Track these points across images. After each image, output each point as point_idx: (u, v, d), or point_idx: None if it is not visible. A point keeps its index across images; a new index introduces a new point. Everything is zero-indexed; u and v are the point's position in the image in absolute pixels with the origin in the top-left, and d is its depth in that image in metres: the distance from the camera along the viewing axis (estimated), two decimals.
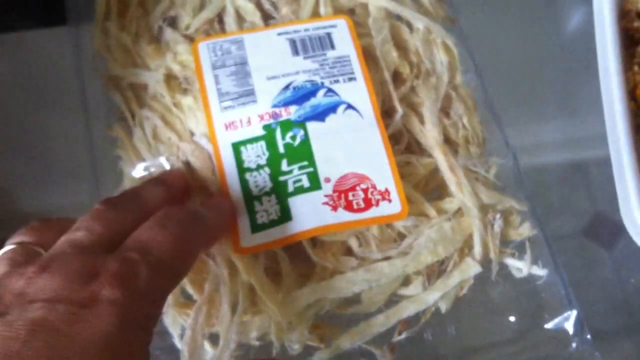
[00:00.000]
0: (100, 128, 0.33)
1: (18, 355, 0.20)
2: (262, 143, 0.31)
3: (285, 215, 0.29)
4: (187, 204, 0.30)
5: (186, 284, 0.29)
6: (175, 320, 0.29)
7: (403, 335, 0.29)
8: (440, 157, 0.32)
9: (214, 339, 0.28)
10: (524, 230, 0.31)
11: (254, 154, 0.30)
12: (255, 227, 0.29)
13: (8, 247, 0.24)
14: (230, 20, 0.34)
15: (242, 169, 0.30)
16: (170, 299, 0.29)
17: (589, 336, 0.29)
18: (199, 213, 0.27)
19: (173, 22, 0.34)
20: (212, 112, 0.31)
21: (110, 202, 0.26)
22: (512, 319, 0.30)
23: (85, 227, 0.24)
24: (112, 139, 0.33)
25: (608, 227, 0.37)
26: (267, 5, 0.35)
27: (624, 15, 0.34)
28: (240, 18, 0.34)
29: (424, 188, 0.32)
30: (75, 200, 0.35)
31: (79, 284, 0.22)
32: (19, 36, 0.39)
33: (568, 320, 0.30)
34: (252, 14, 0.34)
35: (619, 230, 0.36)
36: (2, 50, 0.40)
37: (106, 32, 0.34)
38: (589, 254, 0.37)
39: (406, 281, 0.30)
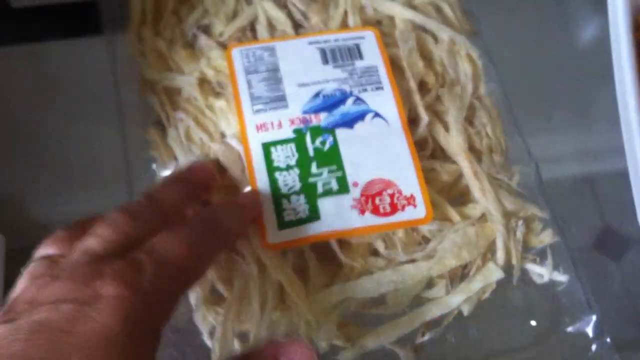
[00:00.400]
0: (135, 132, 0.34)
1: (20, 354, 0.20)
2: (292, 145, 0.32)
3: (313, 215, 0.30)
4: (208, 207, 0.30)
5: (215, 281, 0.30)
6: (205, 318, 0.29)
7: (426, 337, 0.30)
8: (464, 164, 0.33)
9: (242, 336, 0.29)
10: (545, 237, 0.32)
11: (284, 155, 0.31)
12: (282, 224, 0.30)
13: (32, 263, 0.24)
14: (262, 28, 0.35)
15: (271, 168, 0.31)
16: (199, 296, 0.30)
17: (608, 340, 0.30)
18: (218, 218, 0.27)
19: (206, 30, 0.35)
20: (245, 114, 0.32)
21: (126, 209, 0.25)
22: (533, 323, 0.31)
23: (99, 234, 0.24)
24: (146, 144, 0.34)
25: (617, 239, 0.38)
26: (297, 15, 0.36)
27: (637, 27, 0.35)
28: (271, 26, 0.35)
29: (449, 194, 0.33)
30: (110, 206, 0.36)
31: (84, 283, 0.22)
32: (53, 45, 0.41)
33: (588, 325, 0.30)
34: (284, 23, 0.35)
35: (628, 243, 0.37)
36: (37, 59, 0.41)
37: (141, 38, 0.35)
38: (599, 267, 0.37)
39: (430, 284, 0.31)
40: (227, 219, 0.27)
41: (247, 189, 0.31)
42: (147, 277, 0.23)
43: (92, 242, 0.24)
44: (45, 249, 0.25)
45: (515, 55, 0.41)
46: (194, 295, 0.30)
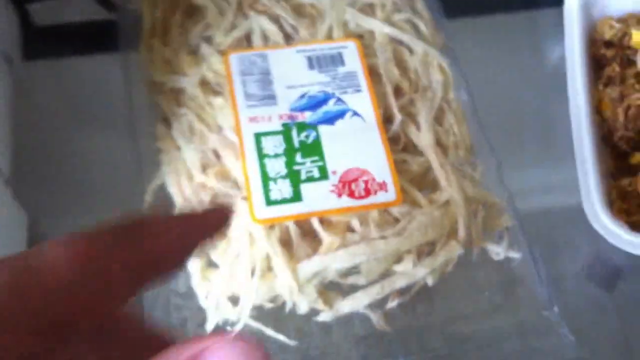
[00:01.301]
0: (144, 128, 0.39)
1: None
2: (280, 137, 0.36)
3: (296, 197, 0.35)
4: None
5: (210, 252, 0.34)
6: (201, 284, 0.34)
7: (395, 303, 0.34)
8: (432, 157, 0.37)
9: (234, 300, 0.33)
10: (503, 221, 0.36)
11: (272, 144, 0.36)
12: (269, 202, 0.34)
13: None
14: (256, 38, 0.40)
15: (261, 155, 0.35)
16: (197, 265, 0.34)
17: (556, 309, 0.34)
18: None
19: (208, 40, 0.40)
20: (239, 109, 0.37)
21: None
22: (487, 294, 0.35)
23: None
24: (156, 154, 0.38)
25: (609, 269, 0.40)
26: (288, 29, 0.41)
27: (592, 43, 0.39)
28: (265, 37, 0.40)
29: (418, 184, 0.37)
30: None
31: None
32: (73, 60, 0.45)
33: (540, 296, 0.34)
34: (276, 34, 0.40)
35: (619, 273, 0.40)
36: (57, 74, 0.46)
37: (151, 47, 0.40)
38: (591, 297, 0.39)
39: (399, 258, 0.35)
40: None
41: (239, 172, 0.35)
42: None
43: None
44: None
45: (485, 69, 0.46)
46: (191, 264, 0.34)
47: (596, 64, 0.40)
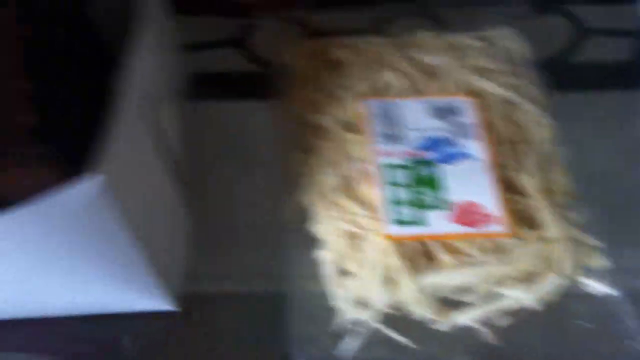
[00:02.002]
0: (287, 156, 0.45)
1: None
2: (407, 170, 0.42)
3: (420, 221, 0.40)
4: None
5: (345, 261, 0.40)
6: (335, 288, 0.39)
7: (502, 321, 0.39)
8: (538, 198, 0.42)
9: (363, 304, 0.39)
10: (599, 260, 0.41)
11: (400, 175, 0.42)
12: (397, 223, 0.40)
13: None
14: (387, 89, 0.47)
15: (391, 183, 0.42)
16: (333, 271, 0.40)
17: None
18: None
19: (346, 87, 0.47)
20: (372, 144, 0.43)
21: None
22: (588, 325, 0.39)
23: None
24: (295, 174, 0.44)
25: None
26: (415, 83, 0.48)
27: None
28: (394, 88, 0.47)
29: (525, 220, 0.42)
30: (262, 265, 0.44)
31: None
32: (225, 105, 0.52)
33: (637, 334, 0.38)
34: (404, 87, 0.47)
35: None
36: (212, 116, 0.51)
37: (297, 92, 0.48)
38: None
39: (506, 283, 0.40)
40: None
41: (371, 196, 0.41)
42: None
43: None
44: None
45: (585, 139, 0.50)
46: (327, 270, 0.40)
47: None
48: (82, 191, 0.29)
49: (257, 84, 0.50)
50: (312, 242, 0.42)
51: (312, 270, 0.41)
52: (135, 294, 0.38)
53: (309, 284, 0.40)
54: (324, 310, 0.39)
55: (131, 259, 0.35)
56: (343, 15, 0.57)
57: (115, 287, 0.37)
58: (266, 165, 0.47)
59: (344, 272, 0.40)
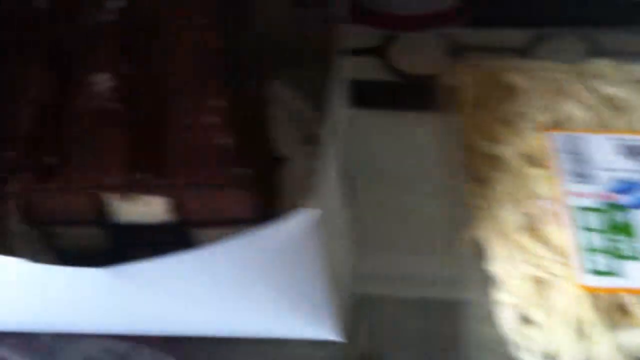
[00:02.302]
0: (456, 185, 0.42)
1: None
2: (599, 214, 0.39)
3: (616, 272, 0.37)
4: None
5: (529, 308, 0.37)
6: (519, 337, 0.36)
7: None
8: None
9: (548, 357, 0.36)
10: None
11: (592, 219, 0.38)
12: (594, 272, 0.37)
13: None
14: (568, 121, 0.44)
15: (582, 227, 0.38)
16: (515, 318, 0.37)
17: None
18: None
19: (523, 116, 0.44)
20: (559, 182, 0.40)
21: None
22: None
23: None
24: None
25: None
26: (598, 116, 0.44)
27: None
28: (575, 120, 0.44)
29: None
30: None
31: None
32: (393, 114, 0.49)
33: None
34: (587, 120, 0.44)
35: None
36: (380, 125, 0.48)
37: (469, 115, 0.45)
38: None
39: None
40: None
41: (559, 239, 0.38)
42: None
43: None
44: None
45: None
46: (507, 316, 0.37)
47: None
48: (297, 223, 0.27)
49: (401, 95, 0.48)
50: (488, 281, 0.39)
51: (488, 312, 0.38)
52: (304, 321, 0.36)
53: (484, 328, 0.37)
54: (504, 359, 0.36)
55: (316, 288, 0.33)
56: (491, 33, 0.54)
57: (290, 313, 0.35)
58: (435, 189, 0.44)
59: (526, 320, 0.37)
